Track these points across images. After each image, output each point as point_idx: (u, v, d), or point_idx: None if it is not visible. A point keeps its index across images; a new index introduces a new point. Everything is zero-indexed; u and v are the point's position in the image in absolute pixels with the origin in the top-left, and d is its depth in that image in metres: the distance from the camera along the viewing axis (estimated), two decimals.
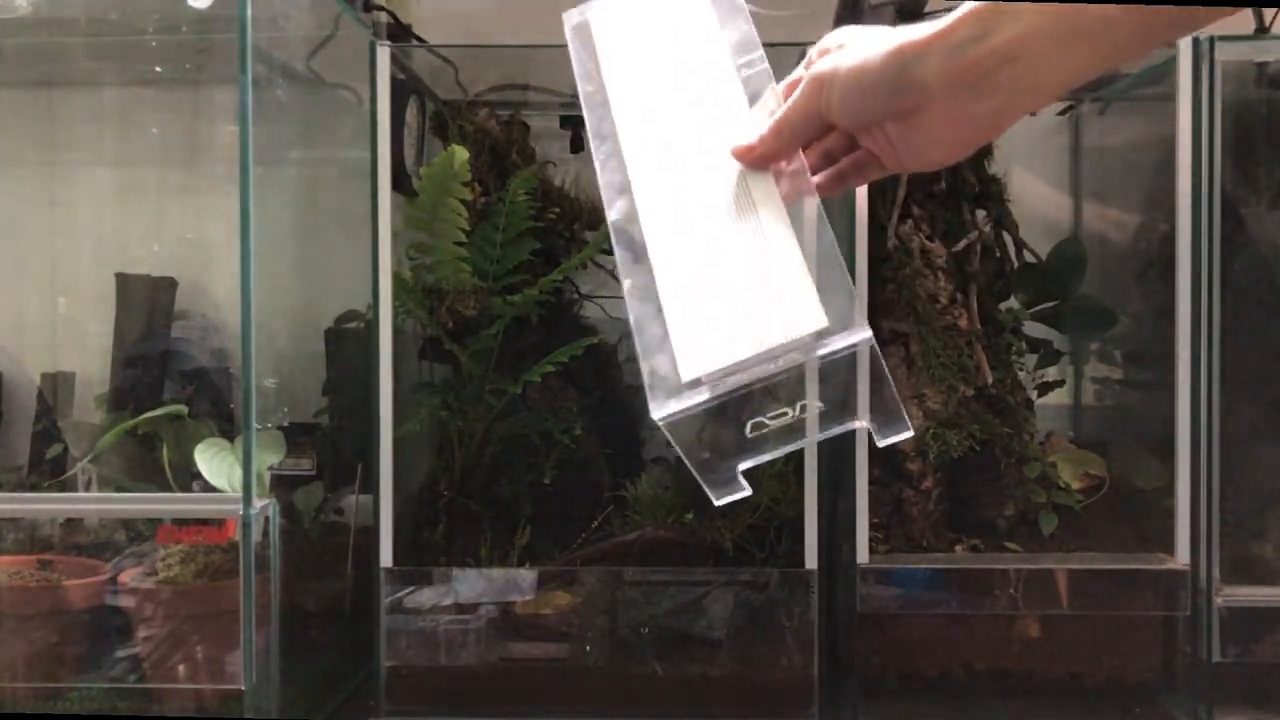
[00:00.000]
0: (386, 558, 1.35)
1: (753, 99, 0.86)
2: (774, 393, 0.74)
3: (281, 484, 1.38)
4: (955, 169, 1.44)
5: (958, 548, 1.38)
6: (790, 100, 0.83)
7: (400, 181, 1.38)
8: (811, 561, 1.33)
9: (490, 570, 1.37)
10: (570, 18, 0.95)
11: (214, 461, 1.31)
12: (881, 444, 0.78)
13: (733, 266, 0.76)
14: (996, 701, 1.37)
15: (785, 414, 0.74)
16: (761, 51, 0.89)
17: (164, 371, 1.52)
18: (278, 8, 1.37)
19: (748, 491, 0.77)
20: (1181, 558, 1.33)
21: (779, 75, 0.89)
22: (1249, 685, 1.35)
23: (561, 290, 1.51)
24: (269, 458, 1.34)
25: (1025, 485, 1.41)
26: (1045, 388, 1.51)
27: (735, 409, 0.74)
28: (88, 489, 1.45)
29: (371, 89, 1.35)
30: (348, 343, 1.58)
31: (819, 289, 0.74)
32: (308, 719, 1.35)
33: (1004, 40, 0.71)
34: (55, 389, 1.59)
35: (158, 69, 1.61)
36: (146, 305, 1.54)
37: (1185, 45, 1.32)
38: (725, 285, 0.75)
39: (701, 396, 0.72)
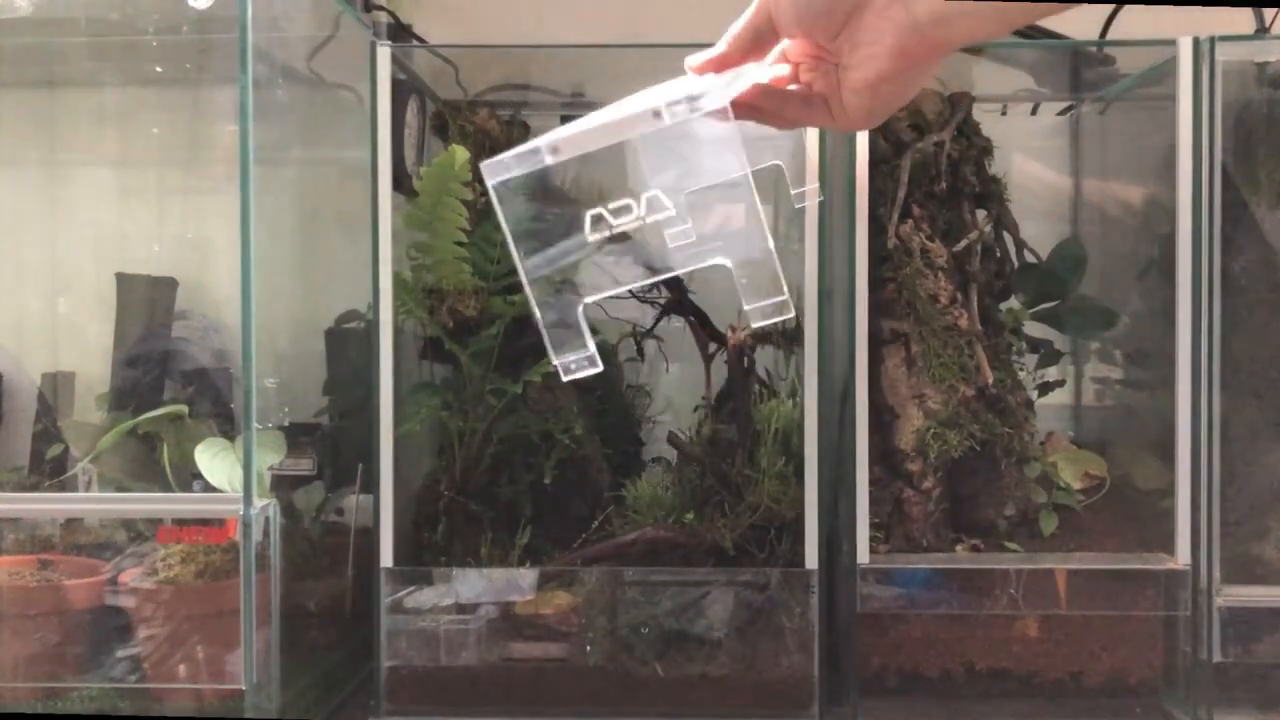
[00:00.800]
0: (386, 558, 1.35)
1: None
2: (617, 185, 0.72)
3: (282, 484, 1.38)
4: (955, 169, 1.45)
5: (958, 548, 1.38)
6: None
7: (400, 181, 1.38)
8: (812, 561, 1.34)
9: (490, 570, 1.37)
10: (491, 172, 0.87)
11: (214, 461, 1.31)
12: (758, 321, 0.74)
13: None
14: (996, 701, 1.37)
15: (628, 207, 0.72)
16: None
17: (164, 371, 1.52)
18: (278, 8, 1.37)
19: (598, 367, 0.74)
20: (1181, 558, 1.33)
21: None
22: (1249, 685, 1.35)
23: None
24: (269, 458, 1.34)
25: (1025, 485, 1.41)
26: (1045, 388, 1.51)
27: (575, 212, 0.72)
28: (88, 489, 1.45)
29: (371, 89, 1.35)
30: (348, 342, 1.58)
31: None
32: (308, 719, 1.35)
33: None
34: (55, 389, 1.59)
35: (158, 69, 1.61)
36: (147, 305, 1.54)
37: (1185, 45, 1.32)
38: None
39: (542, 161, 0.71)
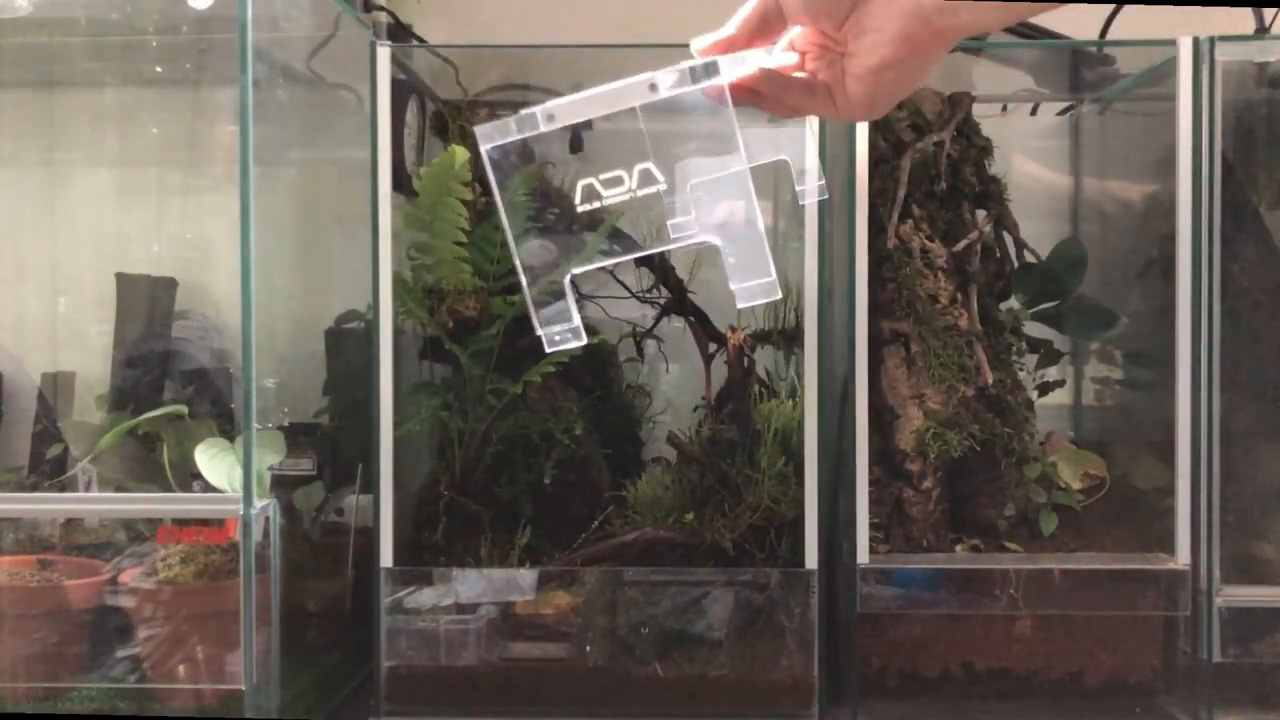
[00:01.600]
0: (386, 558, 1.35)
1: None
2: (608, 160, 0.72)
3: (281, 484, 1.38)
4: (955, 169, 1.45)
5: (958, 548, 1.38)
6: None
7: (400, 181, 1.38)
8: (812, 561, 1.34)
9: (490, 570, 1.37)
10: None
11: (214, 461, 1.31)
12: (744, 302, 0.73)
13: None
14: (996, 701, 1.37)
15: (619, 179, 0.72)
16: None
17: (164, 371, 1.51)
18: (278, 8, 1.37)
19: (582, 340, 0.74)
20: (1181, 558, 1.33)
21: None
22: (1249, 685, 1.35)
23: None
24: (269, 458, 1.34)
25: (1025, 485, 1.41)
26: (1045, 388, 1.51)
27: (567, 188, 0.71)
28: (88, 489, 1.45)
29: (371, 89, 1.35)
30: (348, 343, 1.58)
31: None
32: (308, 719, 1.35)
33: None
34: (55, 389, 1.59)
35: (158, 69, 1.61)
36: (147, 305, 1.54)
37: (1185, 45, 1.32)
38: None
39: (537, 127, 0.71)
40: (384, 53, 1.35)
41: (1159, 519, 1.38)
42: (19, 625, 1.32)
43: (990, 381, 1.39)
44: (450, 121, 1.49)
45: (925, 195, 1.43)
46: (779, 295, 0.74)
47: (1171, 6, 1.09)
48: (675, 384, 1.64)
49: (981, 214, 1.48)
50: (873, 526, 1.33)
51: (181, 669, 1.30)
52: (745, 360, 1.48)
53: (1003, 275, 1.49)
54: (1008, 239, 1.50)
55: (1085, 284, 1.49)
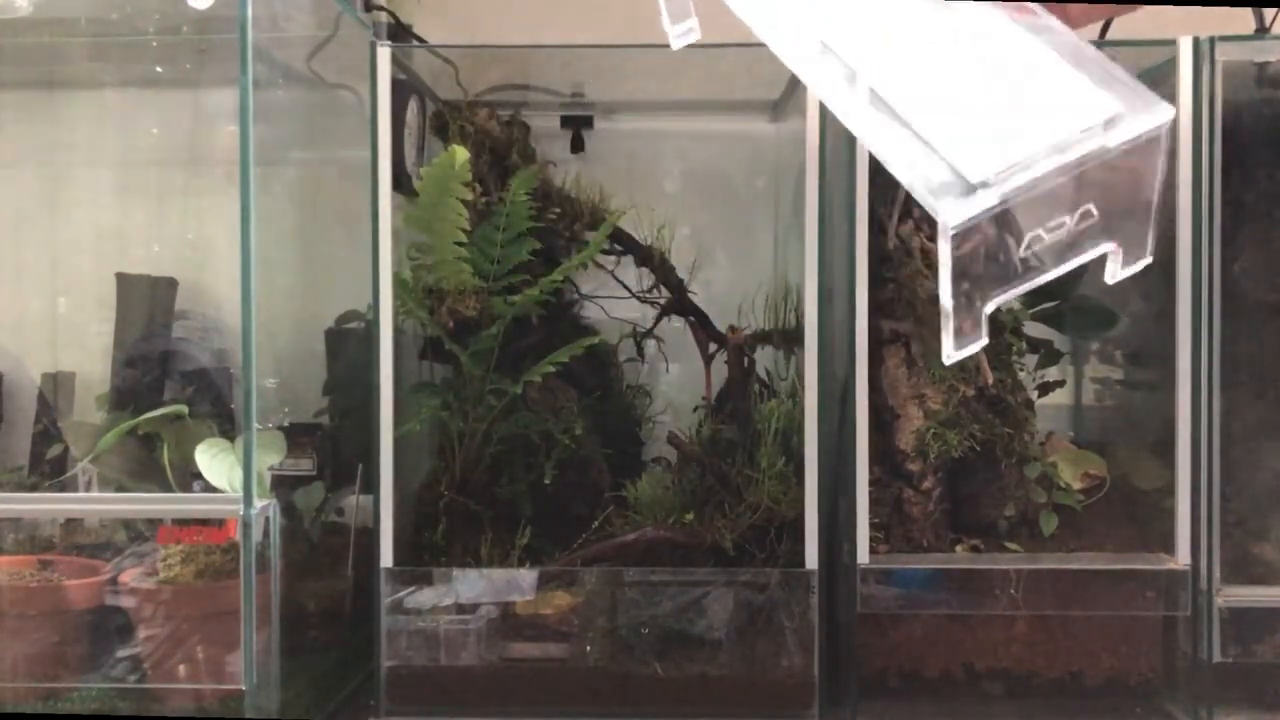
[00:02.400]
0: (387, 558, 1.35)
1: None
2: (1048, 204, 0.69)
3: (282, 484, 1.38)
4: None
5: (958, 548, 1.38)
6: None
7: (400, 181, 1.38)
8: (812, 562, 1.34)
9: (490, 570, 1.37)
10: None
11: (214, 461, 1.31)
12: (1118, 276, 0.71)
13: (984, 78, 0.70)
14: (996, 701, 1.37)
15: (1062, 224, 0.69)
16: None
17: (164, 371, 1.52)
18: (278, 8, 1.37)
19: (984, 340, 0.72)
20: (1181, 558, 1.33)
21: None
22: (1249, 685, 1.35)
23: (562, 290, 1.51)
24: (269, 458, 1.34)
25: (1025, 485, 1.41)
26: (1045, 388, 1.51)
27: (1006, 228, 0.69)
28: (88, 489, 1.45)
29: (371, 89, 1.35)
30: (348, 343, 1.58)
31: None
32: (308, 719, 1.35)
33: None
34: (55, 389, 1.59)
35: (158, 69, 1.61)
36: (147, 305, 1.54)
37: (1185, 45, 1.32)
38: (984, 95, 0.69)
39: (992, 200, 0.67)
40: (384, 53, 1.35)
41: (1159, 519, 1.37)
42: (19, 625, 1.32)
43: (990, 381, 1.39)
44: (450, 121, 1.48)
45: None
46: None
47: (1171, 6, 1.09)
48: (675, 384, 1.64)
49: None
50: (873, 526, 1.33)
51: (181, 669, 1.30)
52: (745, 360, 1.48)
53: None
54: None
55: (1085, 284, 1.49)
